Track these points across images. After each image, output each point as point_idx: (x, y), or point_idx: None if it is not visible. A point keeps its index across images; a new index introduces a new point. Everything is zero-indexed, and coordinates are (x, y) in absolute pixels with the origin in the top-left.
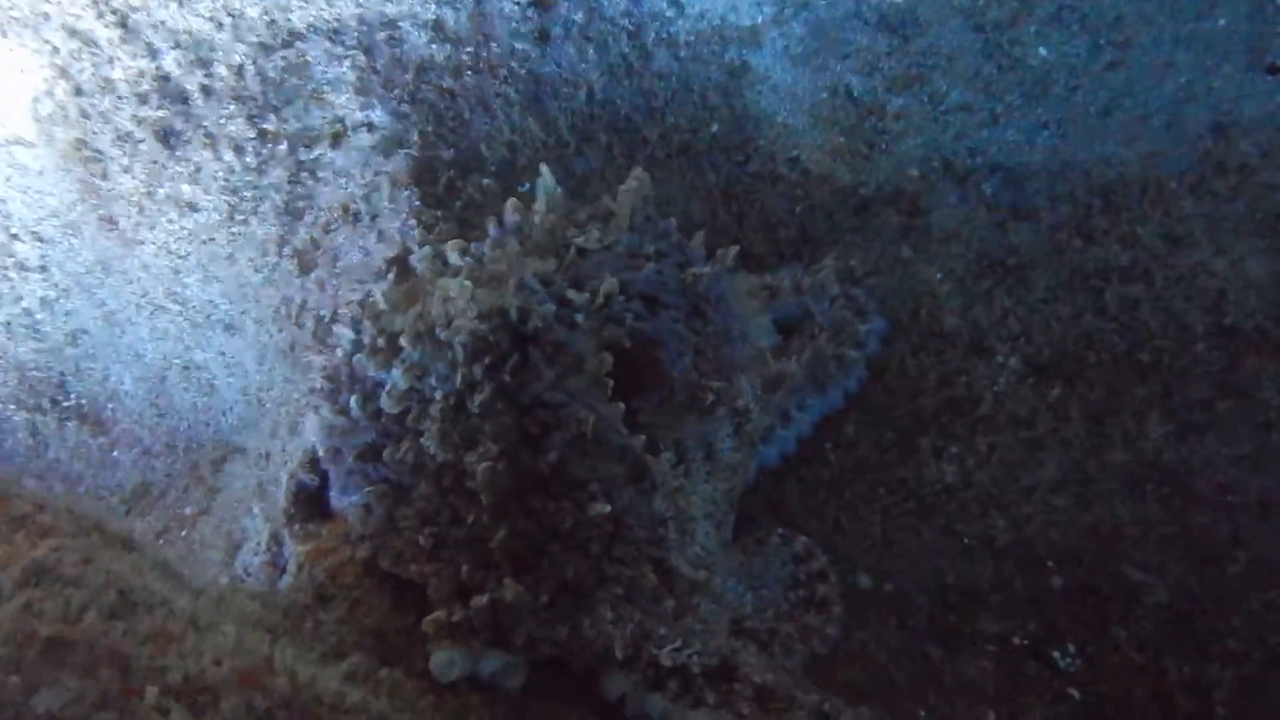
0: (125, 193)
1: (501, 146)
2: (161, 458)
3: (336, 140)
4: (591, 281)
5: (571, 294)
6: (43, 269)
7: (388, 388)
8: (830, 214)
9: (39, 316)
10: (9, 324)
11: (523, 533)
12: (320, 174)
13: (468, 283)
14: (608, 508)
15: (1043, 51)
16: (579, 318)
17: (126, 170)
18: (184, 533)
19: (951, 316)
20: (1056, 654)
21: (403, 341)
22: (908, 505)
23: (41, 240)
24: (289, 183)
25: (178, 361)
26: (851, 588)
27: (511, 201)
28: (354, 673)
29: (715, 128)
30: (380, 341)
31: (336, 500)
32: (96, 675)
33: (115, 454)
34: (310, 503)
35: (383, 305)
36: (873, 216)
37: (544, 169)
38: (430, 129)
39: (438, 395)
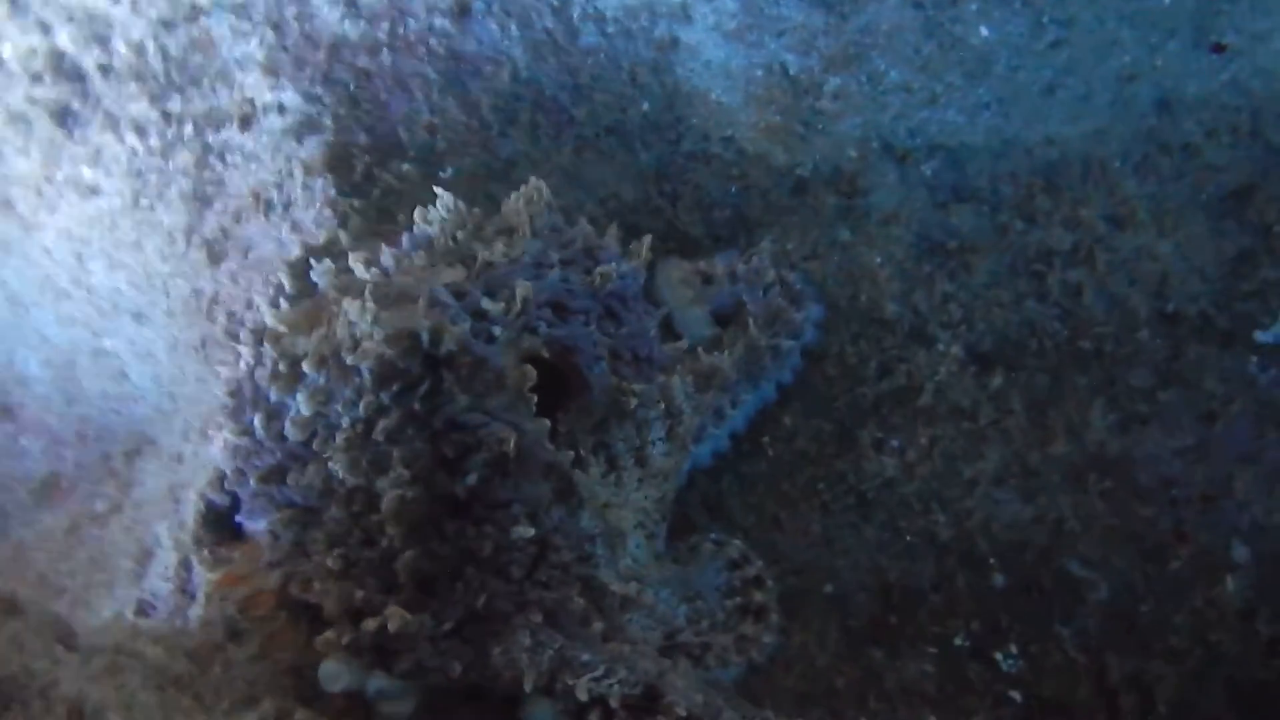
0: (21, 176)
1: (421, 130)
2: (72, 447)
3: (245, 123)
4: (504, 291)
5: (487, 304)
6: None
7: (291, 414)
8: (766, 195)
9: None
10: None
11: (436, 557)
12: (229, 158)
13: (372, 304)
14: (531, 530)
15: (984, 30)
16: (496, 330)
17: (21, 152)
18: (96, 531)
19: (892, 302)
20: (998, 655)
21: (305, 367)
22: (848, 500)
23: None
24: (196, 167)
25: (86, 348)
26: (791, 590)
27: (419, 211)
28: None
29: (646, 106)
30: (281, 366)
31: (246, 523)
32: None
33: (22, 442)
34: (220, 524)
35: (281, 328)
36: (810, 198)
37: (440, 193)
38: (345, 111)
39: (344, 422)
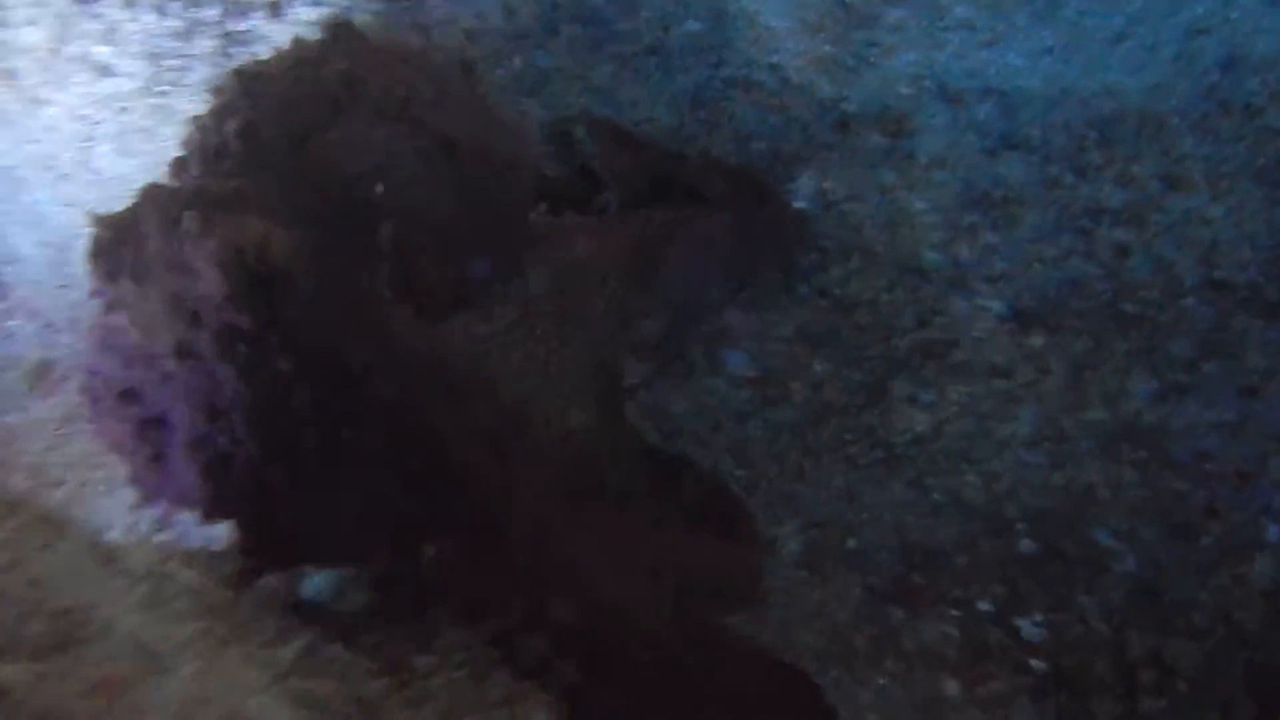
0: (28, 46)
1: (459, 33)
2: (65, 334)
3: (275, 10)
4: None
5: (317, 195)
6: None
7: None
8: (807, 128)
9: None
10: None
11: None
12: (254, 47)
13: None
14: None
15: None
16: (346, 226)
17: (31, 22)
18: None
19: (931, 251)
20: (1021, 622)
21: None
22: (875, 455)
23: None
24: (217, 55)
25: (84, 233)
26: (812, 543)
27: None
28: (303, 660)
29: (691, 26)
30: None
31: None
32: None
33: (12, 323)
34: None
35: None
36: (854, 135)
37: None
38: (381, 7)
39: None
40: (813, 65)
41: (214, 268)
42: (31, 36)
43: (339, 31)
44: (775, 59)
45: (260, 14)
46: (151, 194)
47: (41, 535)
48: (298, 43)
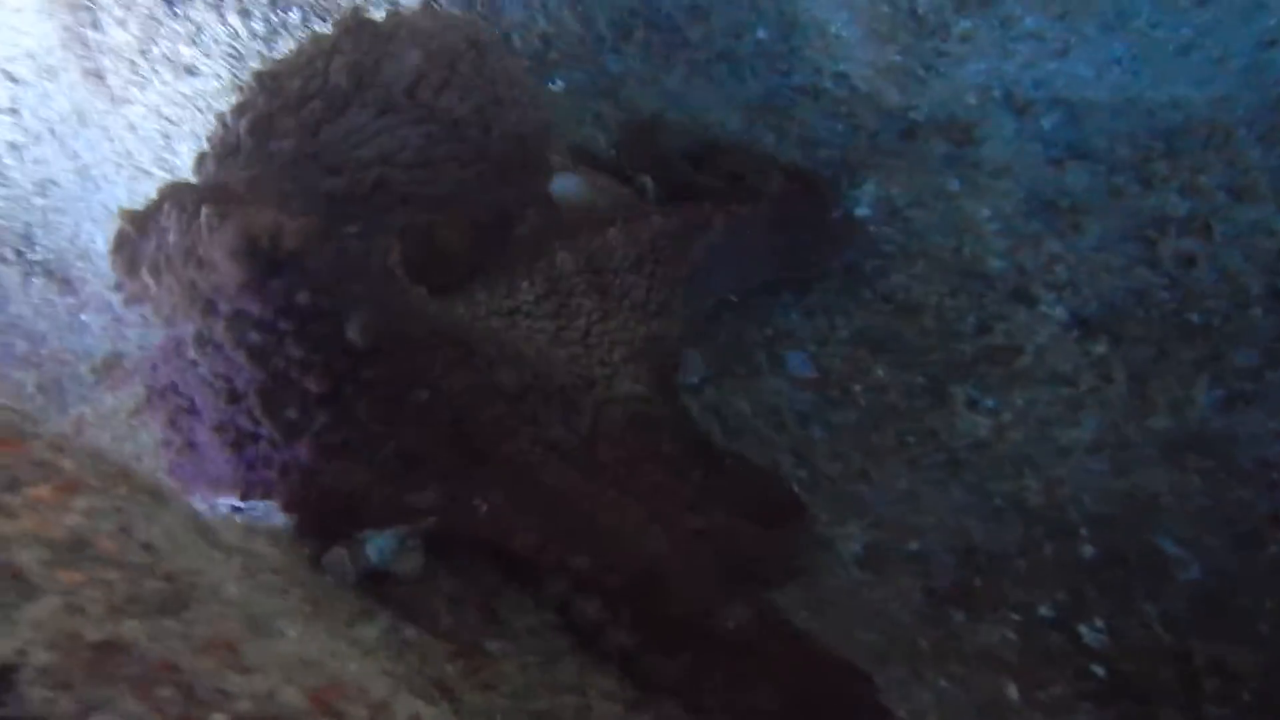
0: (116, 46)
1: (534, 37)
2: (135, 327)
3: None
4: (349, 168)
5: (333, 184)
6: (13, 111)
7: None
8: (874, 136)
9: (6, 161)
10: None
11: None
12: None
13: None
14: (425, 393)
15: None
16: (354, 209)
17: (120, 23)
18: None
19: (995, 258)
20: (1083, 627)
21: (145, 277)
22: (937, 458)
23: (14, 80)
24: None
25: None
26: (875, 543)
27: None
28: (386, 638)
29: (761, 33)
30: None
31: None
32: (153, 696)
33: (84, 317)
34: None
35: (128, 226)
36: (920, 143)
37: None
38: (460, 13)
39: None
40: (881, 74)
41: (228, 257)
42: (120, 36)
43: (350, 24)
44: (844, 67)
45: None
46: (171, 190)
47: (148, 503)
48: (313, 38)
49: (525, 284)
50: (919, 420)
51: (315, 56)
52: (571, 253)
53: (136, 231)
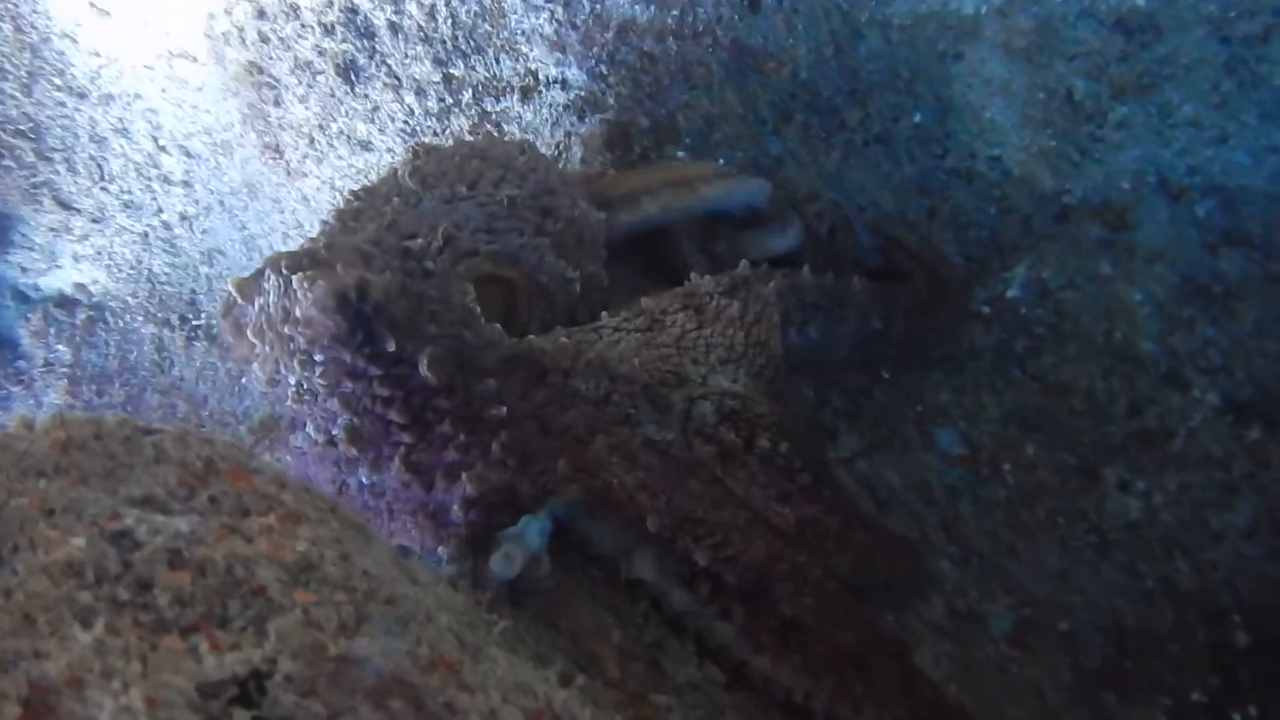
0: (295, 122)
1: (699, 118)
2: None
3: (526, 94)
4: (425, 228)
5: (409, 244)
6: (186, 184)
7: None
8: (1027, 219)
9: (177, 231)
10: (146, 235)
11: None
12: (506, 128)
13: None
14: (502, 409)
15: None
16: (429, 264)
17: (301, 100)
18: None
19: (1148, 342)
20: (1236, 715)
21: (250, 336)
22: (1088, 538)
23: (189, 155)
24: (471, 133)
25: None
26: (1025, 621)
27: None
28: (564, 679)
29: (917, 117)
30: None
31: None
32: (388, 707)
33: (244, 380)
34: None
35: (234, 293)
36: (1073, 226)
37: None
38: (627, 92)
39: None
40: (1035, 158)
41: (321, 312)
42: (301, 113)
43: (419, 150)
44: (998, 151)
45: (514, 97)
46: (271, 259)
47: (355, 536)
48: (393, 164)
49: (604, 314)
50: (1070, 500)
51: (391, 174)
52: (658, 295)
53: (242, 298)
